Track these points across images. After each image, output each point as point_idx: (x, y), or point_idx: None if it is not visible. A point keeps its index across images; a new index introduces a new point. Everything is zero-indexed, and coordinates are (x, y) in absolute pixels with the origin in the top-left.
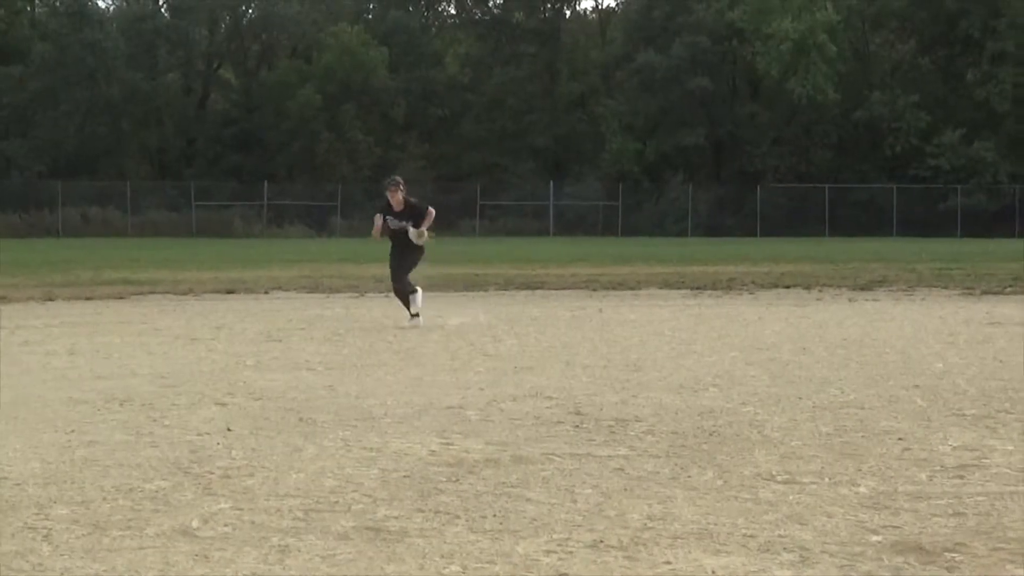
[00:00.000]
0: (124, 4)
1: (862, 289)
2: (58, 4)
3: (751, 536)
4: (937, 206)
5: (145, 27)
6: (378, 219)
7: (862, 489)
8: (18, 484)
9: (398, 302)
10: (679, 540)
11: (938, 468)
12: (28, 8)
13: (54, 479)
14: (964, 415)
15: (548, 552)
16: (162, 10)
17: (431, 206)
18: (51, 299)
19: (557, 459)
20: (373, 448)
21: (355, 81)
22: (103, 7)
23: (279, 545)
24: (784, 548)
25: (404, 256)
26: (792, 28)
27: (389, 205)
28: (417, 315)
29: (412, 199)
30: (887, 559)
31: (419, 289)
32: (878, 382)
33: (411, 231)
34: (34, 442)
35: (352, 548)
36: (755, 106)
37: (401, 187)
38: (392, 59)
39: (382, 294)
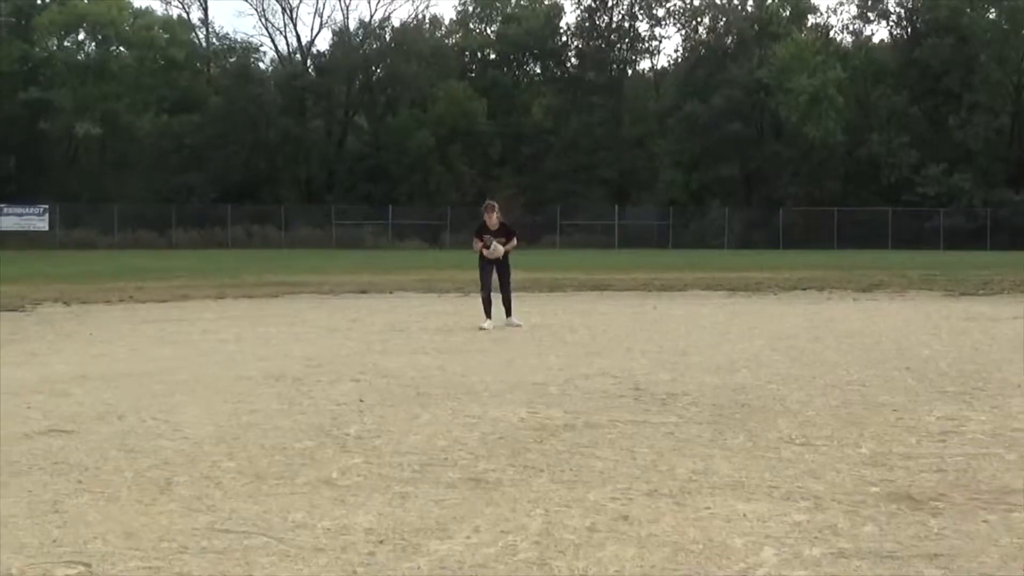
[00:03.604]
0: (280, 65)
1: (864, 291)
2: (228, 66)
3: (775, 487)
4: (924, 225)
5: (296, 83)
6: (476, 241)
7: (863, 450)
8: (196, 443)
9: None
10: (718, 490)
11: (924, 434)
12: (205, 70)
13: (224, 439)
14: (946, 392)
15: (613, 499)
16: (309, 71)
17: (518, 234)
18: (222, 297)
19: (620, 425)
20: (475, 416)
21: (460, 126)
22: (263, 68)
23: (400, 492)
24: (801, 497)
25: (499, 271)
26: (808, 83)
27: (485, 225)
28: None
29: (505, 221)
30: (883, 506)
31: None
32: (876, 365)
33: (486, 251)
34: (209, 410)
35: (458, 495)
36: (778, 145)
37: (496, 210)
38: (490, 108)
39: (479, 295)
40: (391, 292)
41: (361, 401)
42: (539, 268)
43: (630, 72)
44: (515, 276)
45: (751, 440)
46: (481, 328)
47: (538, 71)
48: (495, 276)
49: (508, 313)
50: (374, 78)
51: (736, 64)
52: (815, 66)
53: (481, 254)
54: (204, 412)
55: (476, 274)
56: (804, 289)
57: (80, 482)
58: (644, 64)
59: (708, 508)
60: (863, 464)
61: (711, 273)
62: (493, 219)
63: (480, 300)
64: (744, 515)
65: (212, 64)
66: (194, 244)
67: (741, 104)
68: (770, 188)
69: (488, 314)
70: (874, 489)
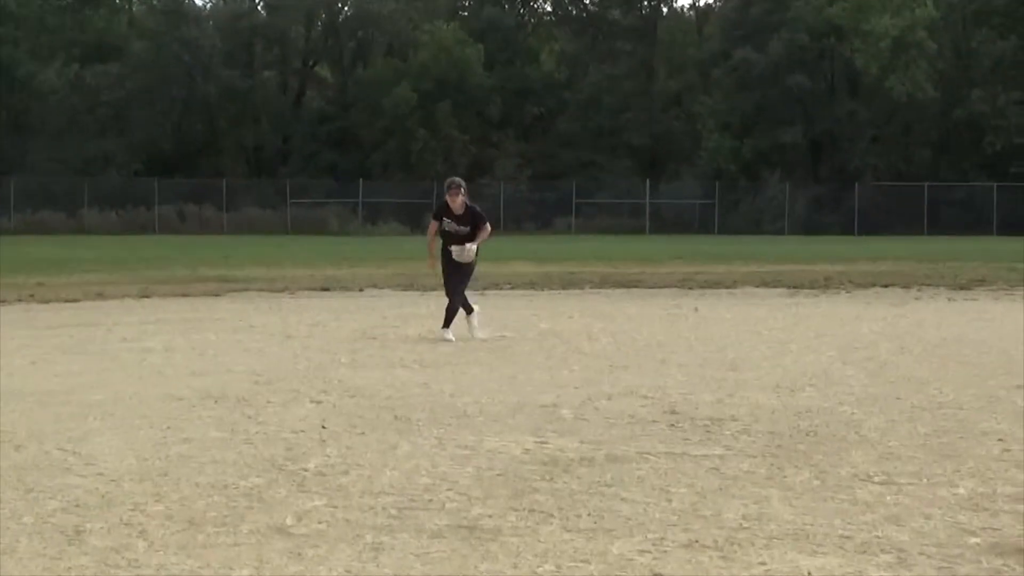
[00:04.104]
0: (221, 2)
1: (961, 288)
2: (156, 2)
3: (848, 537)
4: None
5: (242, 25)
6: (432, 226)
7: (961, 490)
8: (114, 480)
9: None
10: (775, 540)
11: None
12: (126, 7)
13: (149, 475)
14: None
15: (642, 552)
16: (259, 8)
17: (488, 221)
18: (147, 296)
19: (652, 458)
20: (467, 446)
21: (450, 78)
22: (200, 5)
23: (373, 543)
24: (881, 549)
25: (458, 265)
26: (891, 25)
27: (448, 208)
28: (479, 336)
29: (473, 205)
30: (986, 561)
31: (476, 307)
32: (977, 382)
33: (454, 249)
34: (130, 438)
35: (446, 546)
36: (853, 104)
37: (463, 191)
38: (487, 56)
39: (477, 292)
40: (361, 290)
41: (323, 428)
42: (550, 259)
43: (665, 10)
44: (519, 268)
45: (818, 477)
46: (473, 336)
47: (548, 8)
48: (456, 273)
49: (446, 323)
50: (341, 18)
51: (800, 1)
52: (900, 3)
53: (442, 245)
54: (124, 441)
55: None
56: (885, 286)
57: None
58: (683, 0)
59: (763, 564)
60: (960, 508)
61: (768, 266)
62: (458, 202)
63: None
64: (809, 572)
65: (135, 0)
66: (112, 228)
67: (806, 51)
68: (843, 158)
69: (468, 310)
70: (974, 540)
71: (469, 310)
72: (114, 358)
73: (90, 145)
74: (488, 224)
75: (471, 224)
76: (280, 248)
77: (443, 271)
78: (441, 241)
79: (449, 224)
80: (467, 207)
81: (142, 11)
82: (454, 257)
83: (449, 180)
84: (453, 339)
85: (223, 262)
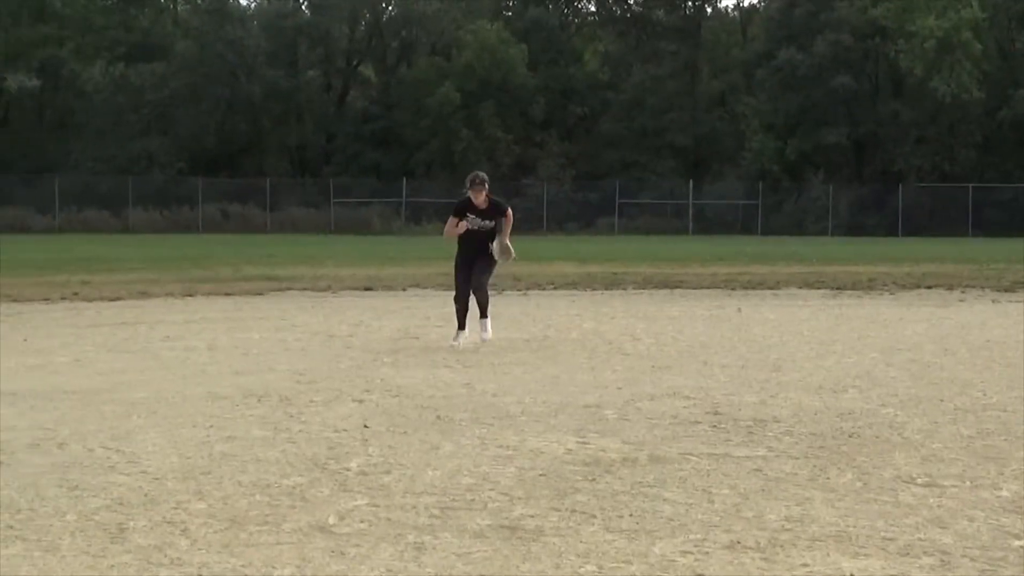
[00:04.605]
0: (265, 2)
1: (1006, 290)
2: (200, 2)
3: (890, 539)
4: None
5: (286, 24)
6: (452, 222)
7: (1004, 493)
8: (157, 478)
9: (466, 312)
10: (817, 542)
11: None
12: (171, 6)
13: (192, 474)
14: None
15: (684, 552)
16: (303, 8)
17: (511, 211)
18: (191, 295)
19: (694, 459)
20: (510, 446)
21: (494, 78)
22: (244, 4)
23: (415, 542)
24: (924, 552)
25: (477, 263)
26: (936, 26)
27: (472, 204)
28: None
29: (495, 197)
30: None
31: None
32: (1022, 384)
33: (494, 247)
34: (173, 437)
35: (488, 546)
36: (898, 104)
37: (486, 186)
38: (531, 56)
39: (519, 292)
40: (404, 289)
41: (366, 427)
42: (593, 259)
43: (710, 11)
44: (562, 268)
45: (860, 479)
46: (451, 345)
47: (592, 8)
48: (474, 267)
49: (483, 314)
50: (384, 17)
51: (844, 1)
52: (946, 4)
53: (459, 243)
54: (167, 439)
55: (514, 267)
56: (929, 288)
57: (11, 527)
58: (728, 1)
59: (805, 565)
60: (1003, 510)
61: (811, 267)
62: (482, 198)
63: (454, 308)
64: (851, 574)
65: (180, 0)
66: (156, 227)
67: (851, 52)
68: (887, 159)
69: (461, 325)
70: (1018, 543)
71: (483, 313)
72: (157, 356)
73: (134, 144)
74: (510, 210)
75: (495, 217)
76: (323, 247)
77: (456, 275)
78: (458, 246)
79: (473, 220)
80: (491, 201)
81: (187, 11)
82: (495, 256)
83: (472, 175)
84: (490, 336)
85: (266, 261)
